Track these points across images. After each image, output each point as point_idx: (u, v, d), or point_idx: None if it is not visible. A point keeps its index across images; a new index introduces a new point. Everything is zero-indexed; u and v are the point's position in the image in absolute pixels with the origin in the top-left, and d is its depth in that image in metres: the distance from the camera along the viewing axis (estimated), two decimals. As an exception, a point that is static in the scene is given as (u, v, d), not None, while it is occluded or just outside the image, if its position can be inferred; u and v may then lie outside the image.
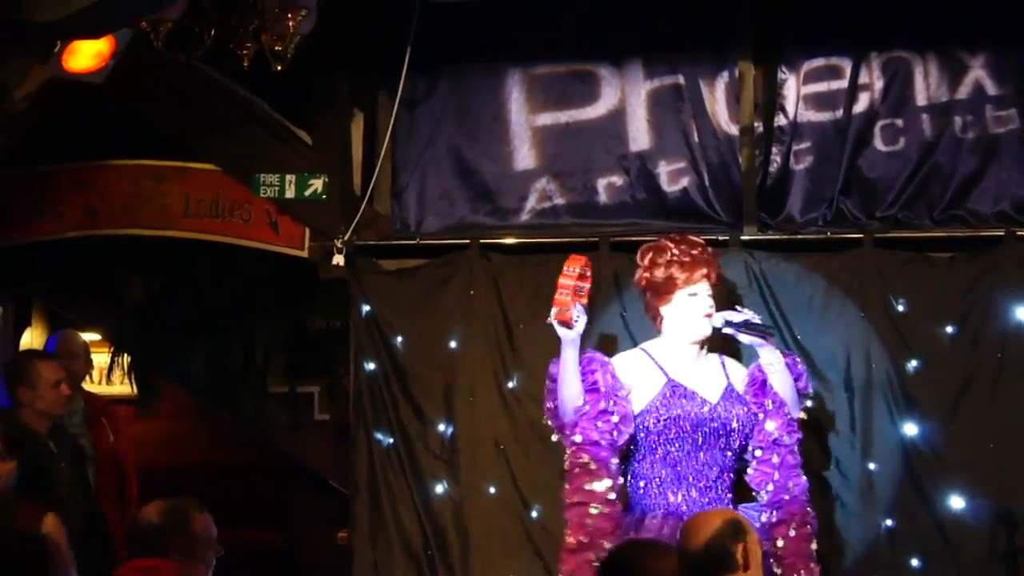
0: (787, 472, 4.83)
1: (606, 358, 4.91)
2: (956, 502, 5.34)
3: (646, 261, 4.97)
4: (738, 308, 4.90)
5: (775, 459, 4.83)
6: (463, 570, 5.60)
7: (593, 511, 4.71)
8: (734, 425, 4.81)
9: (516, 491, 5.60)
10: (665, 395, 4.81)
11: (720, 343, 5.06)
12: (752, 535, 3.56)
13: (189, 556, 3.41)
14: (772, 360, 4.84)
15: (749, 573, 3.47)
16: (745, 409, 4.85)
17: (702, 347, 4.94)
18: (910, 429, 5.40)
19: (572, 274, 4.74)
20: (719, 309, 4.91)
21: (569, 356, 4.78)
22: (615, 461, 4.79)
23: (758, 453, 4.85)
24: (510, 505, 5.60)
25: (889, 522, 5.38)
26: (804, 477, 4.88)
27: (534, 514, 5.57)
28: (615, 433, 4.76)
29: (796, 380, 4.93)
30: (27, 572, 2.90)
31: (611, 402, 4.77)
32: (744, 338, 4.87)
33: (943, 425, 5.41)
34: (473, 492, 5.63)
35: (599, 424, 4.74)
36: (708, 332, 4.87)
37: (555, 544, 5.43)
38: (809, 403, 5.04)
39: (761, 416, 4.85)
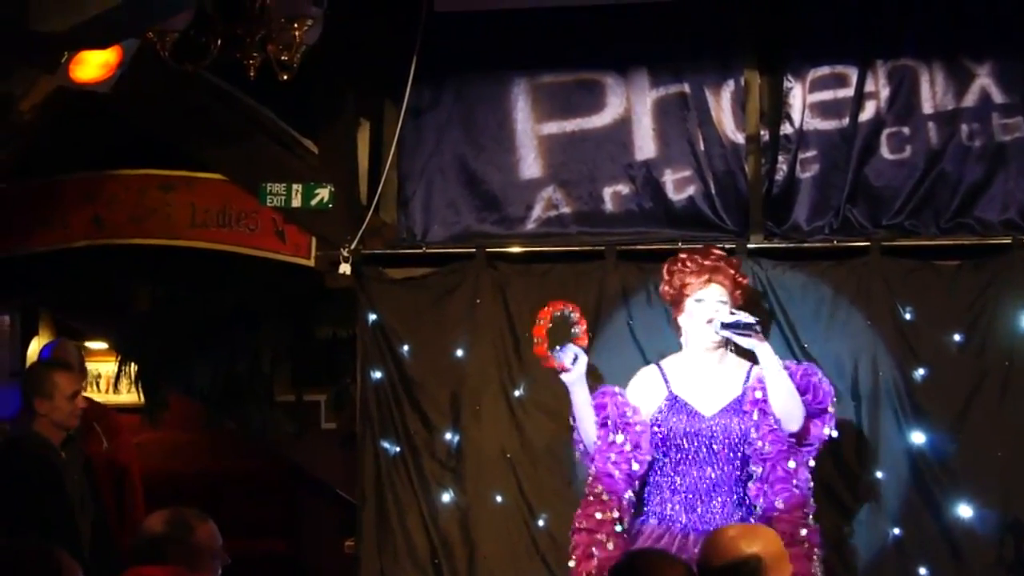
0: (776, 486, 4.71)
1: (616, 388, 4.92)
2: (964, 510, 5.32)
3: (663, 273, 5.01)
4: (732, 311, 4.86)
5: (759, 471, 4.74)
6: (469, 579, 5.60)
7: (600, 539, 4.71)
8: (735, 438, 4.77)
9: (523, 500, 5.59)
10: (663, 409, 4.83)
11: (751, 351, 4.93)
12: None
13: (193, 566, 3.40)
14: (768, 364, 4.76)
15: None
16: (748, 421, 4.78)
17: (723, 356, 4.91)
18: (917, 437, 5.38)
19: (541, 324, 4.86)
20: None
21: (575, 398, 4.85)
22: (629, 495, 4.78)
23: (754, 468, 4.80)
24: (517, 514, 5.59)
25: (896, 531, 5.37)
26: (798, 492, 4.72)
27: (541, 523, 5.56)
28: (632, 463, 4.76)
29: (811, 394, 4.80)
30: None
31: (620, 433, 4.78)
32: (740, 340, 4.82)
33: (950, 433, 5.38)
34: (480, 501, 5.62)
35: (612, 456, 4.77)
36: (715, 338, 4.84)
37: (561, 553, 5.42)
38: (834, 433, 4.89)
39: (753, 433, 4.79)
